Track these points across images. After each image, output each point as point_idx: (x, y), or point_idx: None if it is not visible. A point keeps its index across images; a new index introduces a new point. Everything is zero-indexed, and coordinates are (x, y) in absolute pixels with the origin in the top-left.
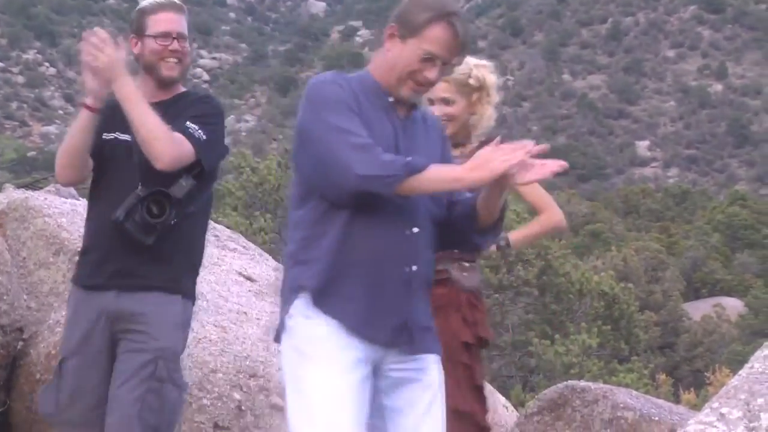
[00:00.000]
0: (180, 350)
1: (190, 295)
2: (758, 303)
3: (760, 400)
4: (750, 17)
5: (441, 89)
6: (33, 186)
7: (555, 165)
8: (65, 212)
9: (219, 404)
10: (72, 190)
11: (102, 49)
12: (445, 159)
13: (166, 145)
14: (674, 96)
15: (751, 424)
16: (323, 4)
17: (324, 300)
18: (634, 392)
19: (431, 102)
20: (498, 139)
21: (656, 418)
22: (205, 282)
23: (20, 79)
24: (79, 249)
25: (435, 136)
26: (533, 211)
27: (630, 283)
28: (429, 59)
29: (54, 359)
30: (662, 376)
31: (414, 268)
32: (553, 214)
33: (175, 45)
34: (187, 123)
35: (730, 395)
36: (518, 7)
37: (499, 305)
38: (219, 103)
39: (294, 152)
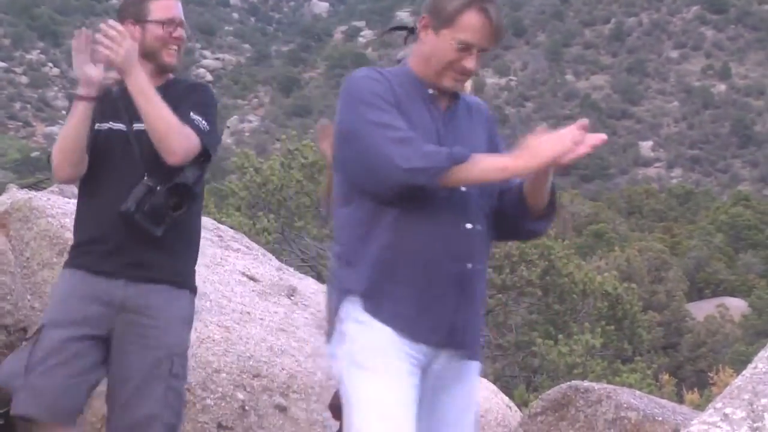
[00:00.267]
0: (188, 346)
1: (194, 289)
2: (761, 303)
3: (763, 401)
4: (753, 17)
5: None
6: (36, 186)
7: (595, 138)
8: (69, 212)
9: (222, 404)
10: (75, 189)
11: (120, 42)
12: (494, 146)
13: (181, 139)
14: (677, 96)
15: (755, 425)
16: (326, 4)
17: (374, 304)
18: (638, 392)
19: None
20: (543, 126)
21: (660, 419)
22: (208, 282)
23: (24, 79)
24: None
25: (481, 124)
26: None
27: (633, 284)
28: (465, 49)
29: None
30: (665, 377)
31: (469, 265)
32: None
33: (179, 32)
34: (192, 114)
35: (734, 395)
36: (521, 7)
37: (502, 305)
38: (212, 90)
39: (335, 150)
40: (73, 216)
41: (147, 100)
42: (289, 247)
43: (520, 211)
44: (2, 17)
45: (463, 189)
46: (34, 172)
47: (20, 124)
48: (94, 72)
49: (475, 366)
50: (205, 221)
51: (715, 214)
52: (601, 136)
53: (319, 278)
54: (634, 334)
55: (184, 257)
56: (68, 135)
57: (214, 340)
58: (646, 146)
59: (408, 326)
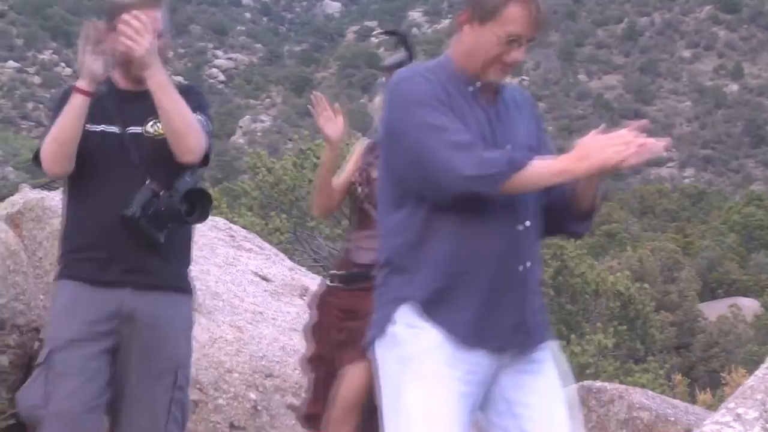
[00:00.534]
0: (191, 355)
1: (193, 292)
2: None
3: None
4: (766, 17)
5: None
6: (49, 186)
7: (659, 144)
8: None
9: (235, 404)
10: None
11: (144, 34)
12: (541, 138)
13: (198, 137)
14: (690, 96)
15: None
16: (338, 4)
17: (434, 310)
18: (650, 392)
19: None
20: (603, 126)
21: (672, 419)
22: (221, 282)
23: (36, 79)
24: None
25: (528, 115)
26: None
27: (646, 284)
28: (512, 41)
29: None
30: (678, 377)
31: (528, 264)
32: None
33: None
34: (198, 116)
35: (747, 395)
36: None
37: None
38: (203, 91)
39: (385, 154)
40: None
41: (168, 96)
42: (302, 247)
43: (565, 211)
44: (15, 17)
45: None
46: None
47: (33, 124)
48: (99, 66)
49: (547, 356)
50: (218, 221)
51: (727, 214)
52: (663, 143)
53: None
54: (647, 334)
55: (182, 261)
56: (66, 127)
57: (226, 340)
58: None
59: (470, 332)
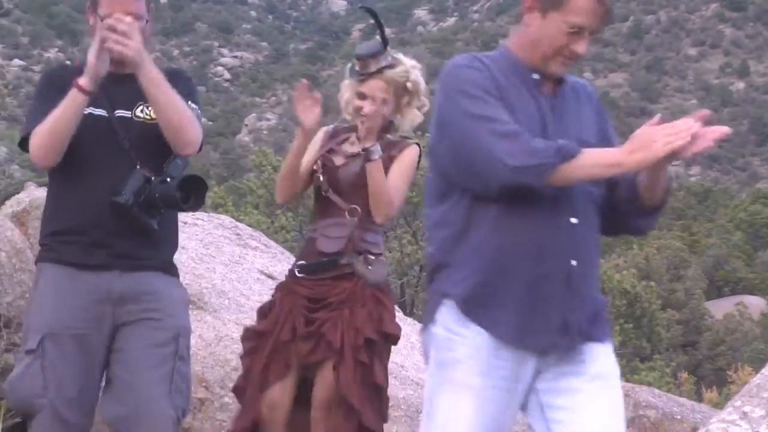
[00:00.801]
0: (191, 330)
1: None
2: None
3: None
4: None
5: (379, 89)
6: None
7: (717, 132)
8: None
9: None
10: None
11: (131, 35)
12: (604, 132)
13: (195, 129)
14: (696, 94)
15: None
16: (344, 2)
17: (473, 308)
18: (657, 391)
19: (363, 96)
20: (658, 117)
21: (678, 417)
22: (227, 280)
23: None
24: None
25: (590, 108)
26: None
27: (652, 282)
28: (577, 32)
29: None
30: (684, 375)
31: (573, 262)
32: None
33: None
34: (189, 103)
35: (753, 393)
36: None
37: None
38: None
39: (432, 144)
40: None
41: (161, 91)
42: None
43: (630, 207)
44: (20, 15)
45: None
46: None
47: None
48: (104, 67)
49: (598, 348)
50: (224, 219)
51: (733, 212)
52: (723, 129)
53: None
54: (653, 333)
55: (169, 248)
56: (63, 123)
57: (232, 338)
58: None
59: (509, 331)
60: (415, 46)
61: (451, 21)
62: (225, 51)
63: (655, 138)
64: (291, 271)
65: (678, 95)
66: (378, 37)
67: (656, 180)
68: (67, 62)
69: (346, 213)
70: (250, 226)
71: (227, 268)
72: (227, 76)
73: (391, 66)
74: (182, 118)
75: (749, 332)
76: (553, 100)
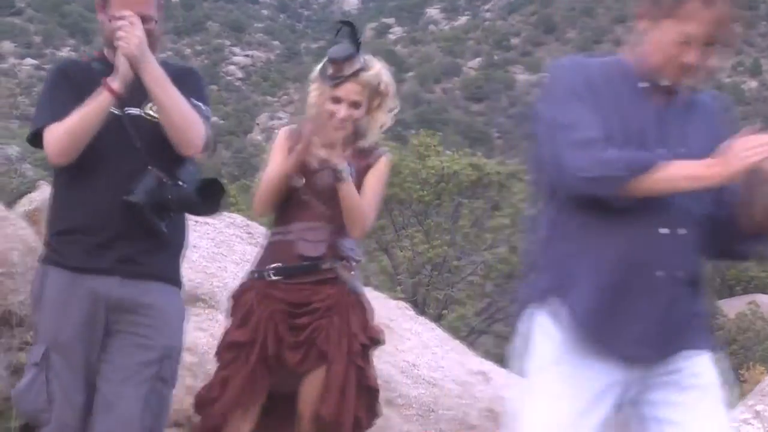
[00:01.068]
0: (182, 349)
1: (182, 286)
2: None
3: None
4: None
5: (354, 92)
6: None
7: None
8: None
9: None
10: None
11: (132, 32)
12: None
13: (198, 130)
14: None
15: None
16: (356, 1)
17: (558, 314)
18: None
19: (337, 101)
20: (756, 126)
21: None
22: (238, 279)
23: None
24: None
25: (708, 123)
26: None
27: None
28: (688, 42)
29: None
30: None
31: (670, 271)
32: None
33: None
34: (196, 102)
35: (765, 393)
36: (551, 4)
37: None
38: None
39: (532, 144)
40: None
41: (164, 91)
42: None
43: (730, 229)
44: (33, 14)
45: None
46: None
47: None
48: (127, 67)
49: (703, 358)
50: (235, 218)
51: None
52: None
53: None
54: None
55: (175, 253)
56: (87, 123)
57: None
58: None
59: (593, 339)
60: (427, 44)
61: (463, 20)
62: (237, 50)
63: (737, 151)
64: (260, 273)
65: None
66: (349, 41)
67: (753, 199)
68: (76, 57)
69: (324, 218)
70: (262, 225)
71: (239, 267)
72: (239, 74)
73: (364, 69)
74: (185, 118)
75: (761, 331)
76: (662, 111)
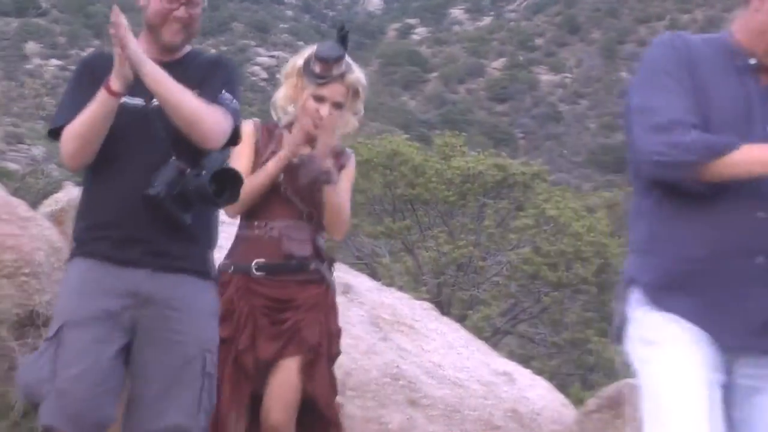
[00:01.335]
0: (218, 342)
1: (216, 279)
2: None
3: None
4: None
5: (339, 93)
6: None
7: None
8: None
9: None
10: None
11: (125, 35)
12: None
13: (212, 121)
14: None
15: None
16: (380, 1)
17: (660, 297)
18: None
19: (321, 100)
20: None
21: None
22: None
23: None
24: None
25: None
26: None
27: None
28: None
29: None
30: None
31: (761, 259)
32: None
33: (182, 12)
34: (224, 93)
35: None
36: (576, 4)
37: (558, 303)
38: (236, 66)
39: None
40: None
41: (165, 88)
42: (344, 245)
43: None
44: (58, 15)
45: None
46: None
47: None
48: (129, 70)
49: None
50: None
51: None
52: None
53: (374, 276)
54: None
55: (206, 245)
56: (92, 127)
57: None
58: None
59: (697, 325)
60: (451, 45)
61: (487, 20)
62: (261, 50)
63: None
64: (241, 267)
65: None
66: (337, 40)
67: None
68: (106, 49)
69: (304, 216)
70: None
71: None
72: (264, 75)
73: (349, 70)
74: (194, 113)
75: None
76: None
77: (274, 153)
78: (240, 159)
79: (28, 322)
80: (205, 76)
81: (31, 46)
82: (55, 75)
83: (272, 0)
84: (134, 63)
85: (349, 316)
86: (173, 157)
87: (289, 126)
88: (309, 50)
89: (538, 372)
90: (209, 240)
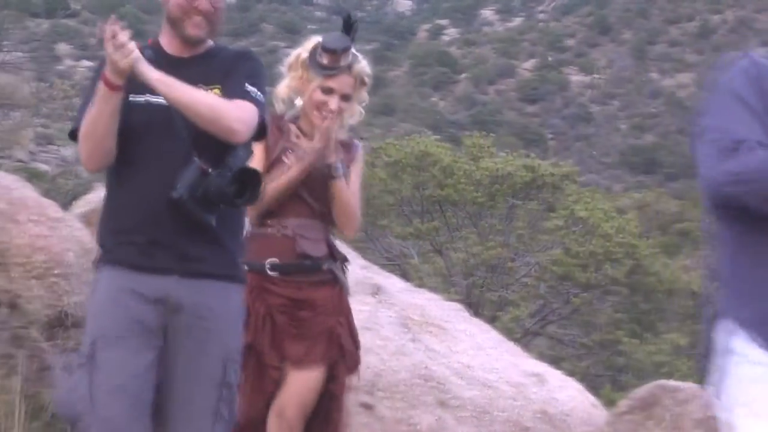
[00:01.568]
0: (241, 350)
1: (245, 280)
2: None
3: None
4: None
5: (347, 84)
6: None
7: None
8: None
9: None
10: None
11: (122, 45)
12: None
13: (236, 114)
14: None
15: None
16: (410, 2)
17: (749, 329)
18: None
19: (329, 92)
20: None
21: None
22: None
23: None
24: None
25: None
26: (622, 210)
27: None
28: None
29: None
30: None
31: None
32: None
33: (205, 3)
34: (247, 86)
35: None
36: (606, 5)
37: (587, 304)
38: (260, 59)
39: None
40: None
41: (174, 90)
42: (374, 246)
43: None
44: (88, 17)
45: None
46: None
47: None
48: (122, 58)
49: None
50: None
51: None
52: None
53: (404, 276)
54: None
55: (234, 247)
56: (97, 125)
57: None
58: None
59: None
60: (481, 46)
61: (517, 21)
62: (291, 51)
63: None
64: (254, 265)
65: None
66: (342, 31)
67: None
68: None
69: (317, 214)
70: None
71: None
72: None
73: (356, 61)
74: (213, 108)
75: None
76: None
77: (285, 149)
78: (254, 152)
79: (58, 323)
80: (229, 69)
81: (61, 48)
82: (86, 76)
83: (301, 1)
84: (133, 71)
85: (379, 317)
86: (195, 158)
87: (296, 119)
88: (313, 41)
89: (569, 373)
90: (236, 241)
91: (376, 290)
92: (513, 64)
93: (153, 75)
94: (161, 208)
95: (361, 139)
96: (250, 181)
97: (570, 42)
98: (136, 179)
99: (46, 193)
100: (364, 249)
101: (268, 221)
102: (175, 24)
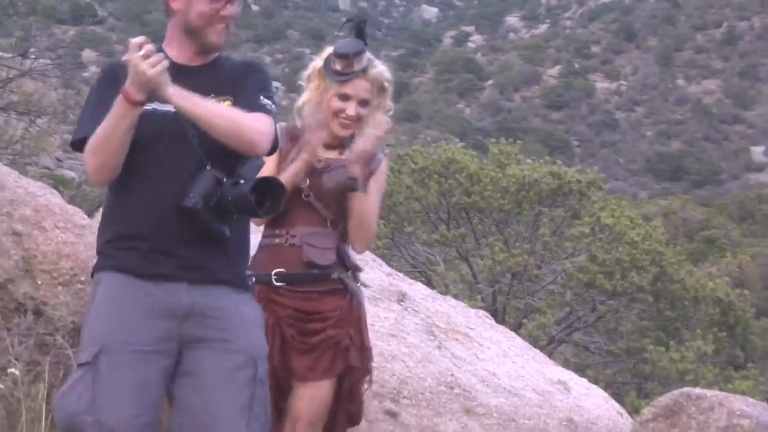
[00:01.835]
0: (267, 350)
1: (252, 292)
2: None
3: None
4: None
5: (364, 89)
6: None
7: None
8: None
9: None
10: None
11: (143, 60)
12: None
13: (257, 128)
14: None
15: None
16: (435, 9)
17: None
18: (751, 400)
19: (346, 98)
20: None
21: None
22: None
23: None
24: None
25: None
26: (647, 217)
27: (746, 290)
28: None
29: None
30: None
31: None
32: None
33: (229, 9)
34: (262, 99)
35: None
36: (632, 11)
37: (613, 311)
38: (266, 68)
39: None
40: None
41: (193, 104)
42: (399, 253)
43: None
44: (114, 23)
45: None
46: None
47: None
48: (147, 69)
49: None
50: None
51: None
52: None
53: (429, 284)
54: (747, 341)
55: (241, 258)
56: (110, 141)
57: None
58: (758, 151)
59: None
60: (507, 52)
61: (543, 28)
62: (317, 58)
63: None
64: (261, 277)
65: None
66: (354, 36)
67: None
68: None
69: (328, 223)
70: None
71: None
72: None
73: (371, 65)
74: (234, 122)
75: None
76: None
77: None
78: (266, 164)
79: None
80: (239, 81)
81: (88, 54)
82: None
83: (327, 8)
84: (153, 86)
85: (404, 324)
86: (208, 166)
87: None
88: (328, 50)
89: (594, 381)
90: (244, 252)
91: (402, 297)
92: (538, 70)
93: (172, 91)
94: (168, 217)
95: (387, 145)
96: (270, 192)
97: (595, 49)
98: (142, 188)
99: (72, 200)
100: (389, 256)
101: (277, 231)
102: (194, 33)
